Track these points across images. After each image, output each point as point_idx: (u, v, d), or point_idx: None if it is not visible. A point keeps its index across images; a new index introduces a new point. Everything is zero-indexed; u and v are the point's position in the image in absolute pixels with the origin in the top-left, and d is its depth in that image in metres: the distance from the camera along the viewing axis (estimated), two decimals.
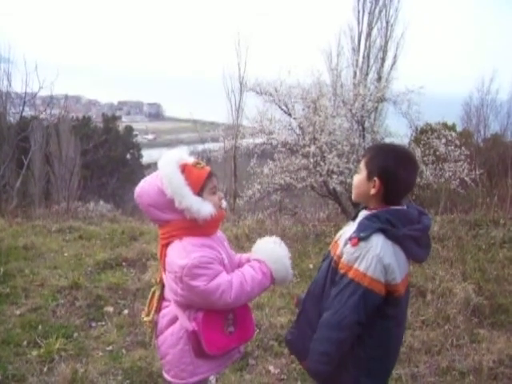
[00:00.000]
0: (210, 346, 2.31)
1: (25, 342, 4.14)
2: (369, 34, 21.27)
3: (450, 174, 9.24)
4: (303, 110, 9.49)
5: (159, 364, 2.57)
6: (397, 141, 9.20)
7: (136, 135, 43.77)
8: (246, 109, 15.37)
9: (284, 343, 2.74)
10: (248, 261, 2.50)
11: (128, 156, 38.18)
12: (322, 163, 8.74)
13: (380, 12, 21.23)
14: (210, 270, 2.25)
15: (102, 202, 16.97)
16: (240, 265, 2.48)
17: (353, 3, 21.55)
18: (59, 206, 13.62)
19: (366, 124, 9.73)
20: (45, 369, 3.76)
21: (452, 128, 12.99)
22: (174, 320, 2.39)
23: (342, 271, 2.13)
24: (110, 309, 4.87)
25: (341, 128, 9.36)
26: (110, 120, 38.06)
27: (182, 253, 2.26)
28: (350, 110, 9.22)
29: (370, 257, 2.05)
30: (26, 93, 19.30)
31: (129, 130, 40.81)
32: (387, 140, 9.54)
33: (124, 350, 4.10)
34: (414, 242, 2.14)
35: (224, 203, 2.47)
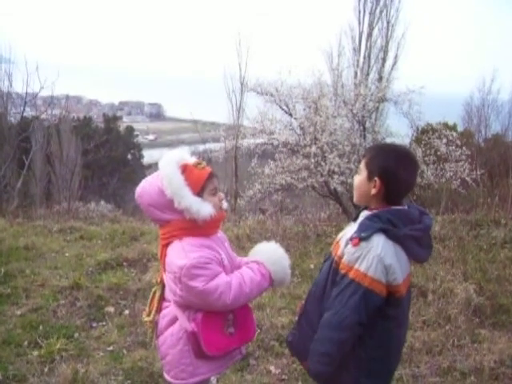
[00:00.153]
0: (209, 347, 2.31)
1: (25, 343, 4.14)
2: (370, 34, 21.28)
3: (451, 173, 9.24)
4: (304, 110, 9.50)
5: (160, 364, 2.57)
6: (398, 141, 9.20)
7: (137, 135, 43.82)
8: (246, 109, 15.39)
9: (285, 344, 2.73)
10: (247, 263, 2.49)
11: (129, 156, 38.21)
12: (322, 163, 8.75)
13: (381, 12, 21.25)
14: (209, 270, 2.24)
15: (102, 202, 17.01)
16: (240, 267, 2.48)
17: (353, 3, 21.59)
18: (60, 206, 13.64)
19: (367, 124, 9.73)
20: (45, 369, 3.76)
21: (453, 128, 12.96)
22: (174, 320, 2.38)
23: (342, 271, 2.12)
24: (111, 309, 4.87)
25: (342, 128, 9.37)
26: (111, 120, 38.08)
27: (180, 253, 2.26)
28: (351, 110, 9.23)
29: (370, 257, 2.04)
30: (26, 93, 19.33)
31: (130, 130, 40.84)
32: (388, 140, 9.55)
33: (125, 351, 4.09)
34: (415, 242, 2.13)
35: (225, 204, 2.46)
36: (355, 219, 2.30)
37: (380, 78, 16.23)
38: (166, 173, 2.29)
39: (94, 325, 4.60)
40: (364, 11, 21.38)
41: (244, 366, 3.86)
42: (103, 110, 63.56)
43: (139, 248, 6.55)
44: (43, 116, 22.40)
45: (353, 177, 2.37)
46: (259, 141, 10.08)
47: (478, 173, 9.31)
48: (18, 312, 4.74)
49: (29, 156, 20.02)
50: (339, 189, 9.26)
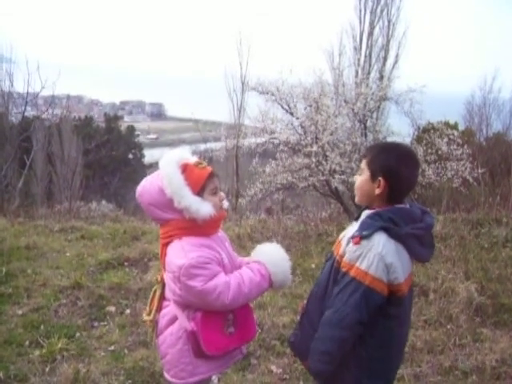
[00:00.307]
0: (208, 347, 2.30)
1: (27, 342, 4.14)
2: (370, 33, 21.24)
3: (453, 172, 9.24)
4: (305, 109, 9.50)
5: (161, 364, 2.57)
6: (399, 140, 9.20)
7: (138, 135, 43.88)
8: (247, 108, 15.40)
9: (286, 343, 2.73)
10: (248, 263, 2.49)
11: (130, 156, 38.29)
12: (324, 162, 8.74)
13: (382, 11, 21.20)
14: (208, 270, 2.24)
15: (104, 202, 17.02)
16: (241, 267, 2.47)
17: (354, 2, 21.52)
18: (61, 205, 13.64)
19: (368, 123, 9.73)
20: (47, 369, 3.76)
21: (454, 127, 12.94)
22: (174, 320, 2.38)
23: (343, 270, 2.12)
24: (112, 309, 4.87)
25: (343, 127, 9.37)
26: (112, 120, 38.18)
27: (180, 252, 2.26)
28: (352, 109, 9.22)
29: (371, 255, 2.03)
30: (27, 93, 19.31)
31: (131, 129, 40.91)
32: (389, 139, 9.54)
33: (126, 350, 4.09)
34: (417, 241, 2.13)
35: (225, 204, 2.46)
36: (357, 219, 2.30)
37: (381, 77, 16.21)
38: (166, 172, 2.29)
39: (96, 324, 4.60)
40: (365, 10, 21.34)
41: (245, 365, 3.86)
42: (104, 109, 63.70)
43: (140, 247, 6.55)
44: (44, 116, 22.40)
45: (354, 176, 2.36)
46: (260, 140, 10.08)
47: (480, 171, 9.30)
48: (20, 312, 4.74)
49: (30, 156, 20.04)
50: (340, 188, 9.26)
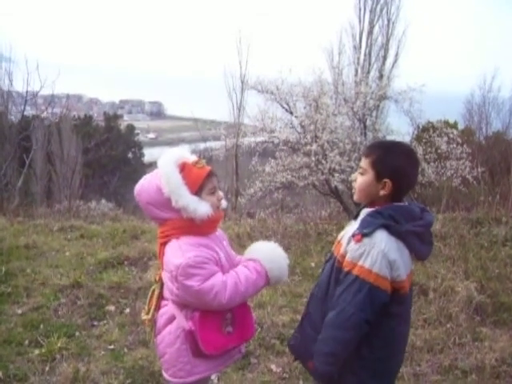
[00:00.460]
0: (206, 346, 2.30)
1: (26, 342, 4.14)
2: (370, 32, 21.26)
3: (452, 171, 9.24)
4: (305, 108, 9.49)
5: (160, 363, 2.57)
6: (398, 139, 9.19)
7: (137, 134, 43.90)
8: (247, 107, 15.38)
9: (286, 342, 2.72)
10: (245, 262, 2.48)
11: (130, 155, 38.33)
12: (323, 161, 8.74)
13: (381, 10, 21.24)
14: (205, 270, 2.24)
15: (103, 201, 17.03)
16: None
17: (354, 1, 21.57)
18: (61, 204, 13.64)
19: (368, 122, 9.73)
20: (46, 368, 3.76)
21: (454, 126, 12.95)
22: (172, 319, 2.38)
23: (346, 269, 2.10)
24: (112, 308, 4.87)
25: (342, 126, 9.36)
26: (112, 119, 38.20)
27: (177, 252, 2.26)
28: (352, 108, 9.22)
29: (375, 253, 2.02)
30: (27, 92, 19.32)
31: (130, 128, 40.95)
32: (389, 138, 9.53)
33: (126, 349, 4.09)
34: (417, 238, 2.13)
35: (224, 203, 2.46)
36: (356, 217, 2.30)
37: (381, 76, 16.23)
38: (164, 171, 2.29)
39: (95, 323, 4.59)
40: (364, 9, 21.38)
41: (245, 364, 3.86)
42: (104, 108, 63.68)
43: (140, 247, 6.55)
44: (44, 115, 22.42)
45: (352, 174, 2.34)
46: (260, 139, 10.07)
47: (479, 170, 9.30)
48: (19, 311, 4.73)
49: (29, 155, 20.04)
50: (340, 187, 9.26)
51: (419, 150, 9.13)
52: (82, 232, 7.62)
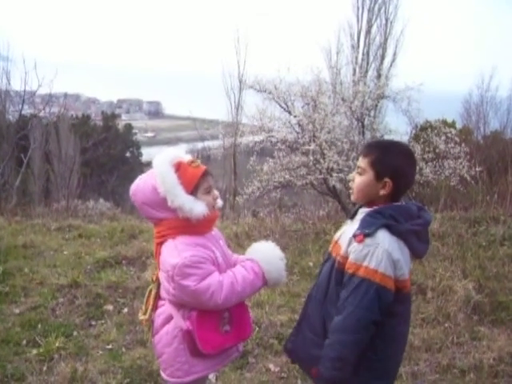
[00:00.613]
0: (204, 345, 2.30)
1: (24, 341, 4.14)
2: (368, 32, 21.27)
3: (450, 171, 9.21)
4: (303, 107, 9.46)
5: (157, 363, 2.57)
6: (396, 138, 9.18)
7: (135, 133, 43.92)
8: (245, 106, 15.37)
9: (284, 342, 2.71)
10: (242, 261, 2.48)
11: (127, 154, 38.32)
12: (321, 161, 8.72)
13: (379, 9, 21.24)
14: (201, 269, 2.24)
15: (101, 200, 17.00)
16: (235, 265, 2.46)
17: (352, 0, 21.56)
18: (59, 204, 13.62)
19: (366, 121, 9.71)
20: (44, 368, 3.76)
21: (452, 125, 12.94)
22: (169, 319, 2.38)
23: (350, 271, 2.08)
24: (110, 307, 4.87)
25: (340, 125, 9.33)
26: (110, 118, 38.18)
27: (173, 252, 2.25)
28: (350, 108, 9.20)
29: (379, 253, 2.02)
30: (25, 91, 19.26)
31: (128, 127, 40.93)
32: (387, 137, 9.51)
33: (124, 349, 4.09)
34: (415, 237, 2.13)
35: (219, 202, 2.45)
36: (352, 217, 2.29)
37: (379, 76, 16.18)
38: (159, 171, 2.29)
39: (93, 323, 4.59)
40: (362, 8, 21.39)
41: (243, 363, 3.86)
42: (102, 107, 63.71)
43: (138, 246, 6.55)
44: (41, 114, 22.36)
45: (350, 174, 2.33)
46: (258, 138, 10.03)
47: (477, 170, 9.28)
48: (17, 310, 4.73)
49: (27, 154, 19.98)
50: (338, 186, 9.23)
51: (417, 150, 9.10)
52: (80, 231, 7.62)
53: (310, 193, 11.36)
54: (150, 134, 75.35)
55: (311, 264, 5.87)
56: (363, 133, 9.46)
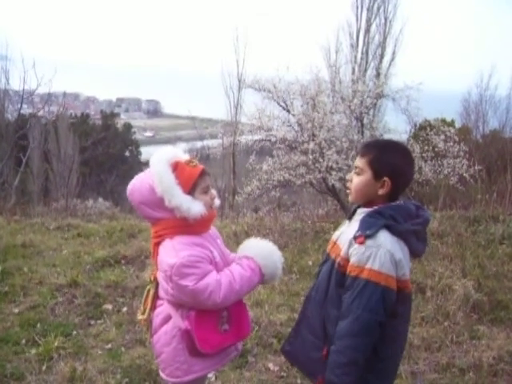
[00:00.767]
0: (203, 345, 2.29)
1: (23, 341, 4.13)
2: (367, 31, 21.27)
3: (449, 170, 9.22)
4: (302, 106, 9.45)
5: (156, 362, 2.57)
6: (395, 137, 9.19)
7: (134, 132, 43.88)
8: (244, 105, 15.35)
9: (283, 341, 2.70)
10: (239, 259, 2.47)
11: (127, 153, 38.29)
12: (320, 160, 8.72)
13: (378, 8, 21.25)
14: (199, 269, 2.23)
15: (100, 200, 17.00)
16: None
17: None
18: (58, 203, 13.62)
19: (365, 120, 9.71)
20: (43, 367, 3.75)
21: (451, 124, 12.96)
22: (168, 319, 2.37)
23: (352, 274, 2.05)
24: (109, 307, 4.86)
25: (339, 124, 9.33)
26: (109, 117, 38.15)
27: (171, 252, 2.25)
28: (349, 107, 9.19)
29: (382, 254, 2.00)
30: (23, 90, 19.29)
31: (127, 127, 40.90)
32: (386, 136, 9.51)
33: (123, 348, 4.08)
34: (414, 237, 2.12)
35: (217, 202, 2.45)
36: (350, 217, 2.28)
37: (378, 75, 16.16)
38: (156, 170, 2.28)
39: (92, 322, 4.59)
40: (362, 7, 21.39)
41: (242, 363, 3.85)
42: (101, 106, 63.67)
43: (137, 245, 6.55)
44: (40, 113, 22.38)
45: (348, 174, 2.32)
46: (257, 137, 10.02)
47: (476, 169, 9.28)
48: (16, 310, 4.73)
49: (26, 153, 20.00)
50: (337, 185, 9.23)
51: (416, 149, 9.11)
52: (79, 231, 7.62)
53: (309, 192, 11.37)
54: (149, 133, 75.37)
55: (310, 263, 5.86)
56: (362, 132, 9.46)
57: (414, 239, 2.12)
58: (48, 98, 21.92)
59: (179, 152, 2.43)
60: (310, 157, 8.73)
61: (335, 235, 2.33)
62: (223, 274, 2.31)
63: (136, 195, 2.34)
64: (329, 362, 2.09)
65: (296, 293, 5.09)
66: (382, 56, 20.90)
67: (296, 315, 2.48)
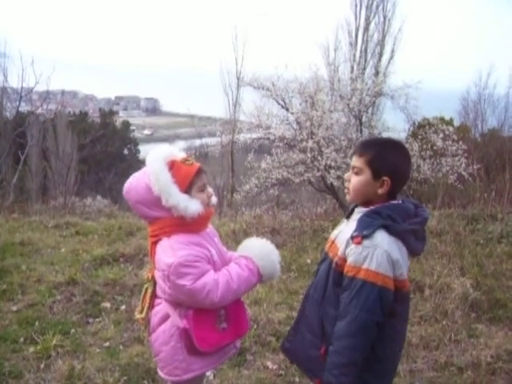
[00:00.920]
0: (201, 343, 2.29)
1: (21, 339, 4.12)
2: (366, 29, 21.28)
3: (448, 168, 9.22)
4: (300, 104, 9.45)
5: (155, 361, 2.57)
6: (394, 135, 9.18)
7: (133, 130, 43.87)
8: (243, 103, 15.38)
9: (282, 339, 2.70)
10: (236, 259, 2.47)
11: (125, 151, 38.31)
12: (319, 158, 8.72)
13: (377, 6, 21.26)
14: (196, 268, 2.23)
15: (99, 198, 16.98)
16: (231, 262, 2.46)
17: None
18: (56, 201, 13.62)
19: (364, 119, 9.70)
20: (42, 365, 3.74)
21: (449, 123, 12.97)
22: (166, 317, 2.37)
23: (350, 274, 2.05)
24: (107, 305, 4.86)
25: (338, 123, 9.33)
26: (107, 115, 38.14)
27: (168, 251, 2.24)
28: (348, 105, 9.19)
29: (379, 254, 2.00)
30: (22, 88, 19.30)
31: (126, 124, 40.89)
32: (385, 134, 9.51)
33: (121, 346, 4.08)
34: (413, 236, 2.11)
35: (214, 200, 2.44)
36: (348, 216, 2.28)
37: (376, 73, 16.19)
38: (153, 169, 2.27)
39: (91, 321, 4.58)
40: (360, 5, 21.41)
41: (241, 361, 3.85)
42: (99, 104, 63.67)
43: (135, 243, 6.54)
44: (39, 111, 22.38)
45: (346, 174, 2.30)
46: (256, 135, 10.02)
47: (475, 167, 9.28)
48: (14, 308, 4.72)
49: (24, 151, 19.99)
50: (336, 183, 9.23)
51: (415, 147, 9.11)
52: (78, 229, 7.62)
53: (308, 190, 11.38)
54: (147, 131, 75.35)
55: (309, 261, 5.86)
56: (361, 130, 9.45)
57: (413, 238, 2.11)
58: (46, 96, 21.93)
59: (175, 150, 2.41)
60: (309, 155, 8.74)
61: (333, 234, 2.33)
62: (221, 274, 2.31)
63: (132, 194, 2.33)
64: (327, 363, 2.09)
65: (294, 291, 5.08)
66: (380, 54, 20.92)
67: (294, 313, 2.48)
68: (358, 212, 2.18)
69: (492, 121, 21.41)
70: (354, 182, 2.18)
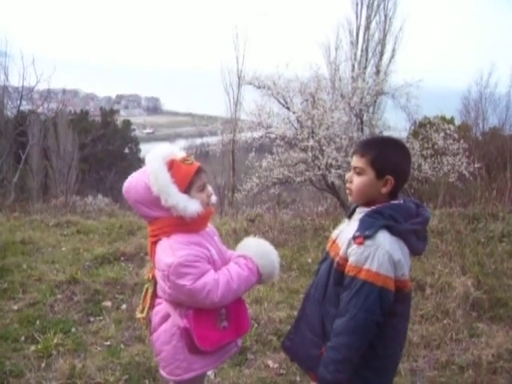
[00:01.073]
0: (202, 342, 2.29)
1: (22, 338, 4.13)
2: (367, 28, 21.25)
3: (449, 167, 9.20)
4: (301, 103, 9.44)
5: (156, 361, 2.56)
6: (395, 134, 9.17)
7: (134, 129, 43.92)
8: (244, 102, 15.39)
9: (283, 338, 2.70)
10: (236, 258, 2.47)
11: (126, 150, 38.34)
12: (320, 157, 8.71)
13: (378, 5, 21.22)
14: (196, 268, 2.22)
15: (100, 196, 16.98)
16: (230, 262, 2.45)
17: None
18: (57, 200, 13.59)
19: (365, 117, 9.70)
20: (43, 364, 3.74)
21: (450, 121, 12.92)
22: (167, 317, 2.37)
23: (351, 274, 2.05)
24: (108, 303, 4.86)
25: (339, 121, 9.31)
26: (108, 114, 38.18)
27: (168, 251, 2.24)
28: (349, 104, 9.18)
29: (380, 255, 2.00)
30: (23, 87, 19.29)
31: (127, 123, 40.92)
32: (386, 133, 9.50)
33: (122, 345, 4.08)
34: (414, 236, 2.11)
35: (214, 199, 2.43)
36: (350, 216, 2.27)
37: (377, 72, 16.13)
38: (152, 169, 2.26)
39: (92, 319, 4.58)
40: (361, 4, 21.36)
41: (242, 360, 3.85)
42: (100, 103, 63.72)
43: (136, 242, 6.53)
44: (40, 110, 22.37)
45: (347, 174, 2.29)
46: (256, 134, 10.01)
47: (476, 166, 9.27)
48: (15, 307, 4.72)
49: (25, 150, 19.99)
50: (337, 182, 9.22)
51: (416, 146, 9.10)
52: (79, 227, 7.62)
53: (309, 189, 11.35)
54: (148, 130, 75.43)
55: (310, 260, 5.86)
56: (362, 129, 9.45)
57: (414, 238, 2.11)
58: (47, 95, 21.91)
59: (175, 149, 2.40)
60: (310, 154, 8.73)
61: (334, 233, 2.32)
62: (221, 273, 2.30)
63: (132, 194, 2.33)
64: (323, 358, 2.10)
65: (295, 290, 5.08)
66: (381, 53, 20.89)
67: (295, 312, 2.48)
68: (360, 212, 2.18)
69: (493, 120, 21.40)
70: (356, 182, 2.16)
